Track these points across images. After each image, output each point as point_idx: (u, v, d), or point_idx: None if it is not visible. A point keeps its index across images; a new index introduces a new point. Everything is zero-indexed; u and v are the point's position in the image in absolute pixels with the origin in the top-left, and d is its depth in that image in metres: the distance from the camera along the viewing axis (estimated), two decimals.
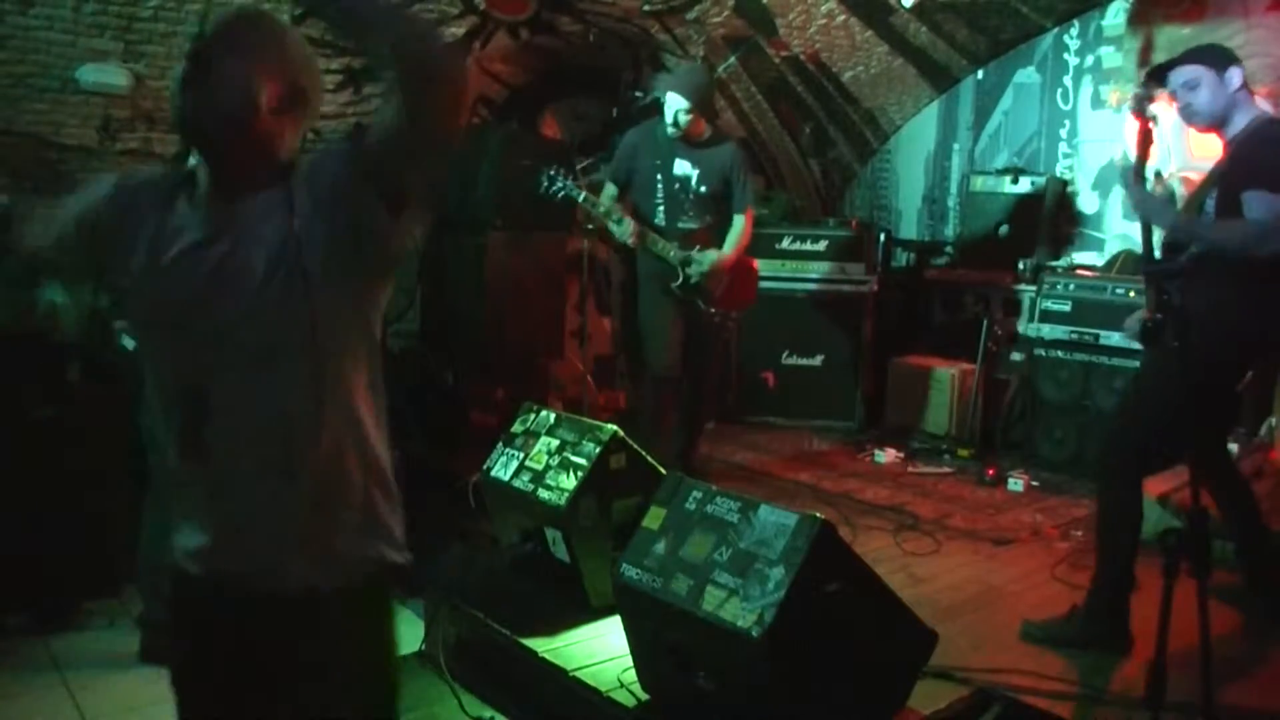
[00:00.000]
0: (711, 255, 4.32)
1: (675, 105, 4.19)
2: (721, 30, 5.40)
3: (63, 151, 4.03)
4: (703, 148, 4.34)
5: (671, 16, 5.19)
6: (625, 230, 4.25)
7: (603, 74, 5.71)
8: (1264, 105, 3.08)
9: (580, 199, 4.26)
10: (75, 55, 3.75)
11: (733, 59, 5.76)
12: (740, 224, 4.40)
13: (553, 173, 4.20)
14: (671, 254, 4.31)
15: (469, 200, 4.81)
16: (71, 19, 3.62)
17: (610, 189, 4.45)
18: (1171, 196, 3.12)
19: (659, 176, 4.33)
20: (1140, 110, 3.03)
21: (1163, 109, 3.13)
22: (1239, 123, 2.91)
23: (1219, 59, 2.93)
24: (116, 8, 3.66)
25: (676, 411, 4.61)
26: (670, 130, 4.25)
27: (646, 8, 5.04)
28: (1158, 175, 3.59)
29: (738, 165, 4.39)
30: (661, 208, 4.36)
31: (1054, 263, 5.56)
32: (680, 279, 4.32)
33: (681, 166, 4.33)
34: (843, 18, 5.48)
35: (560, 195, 4.23)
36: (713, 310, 4.41)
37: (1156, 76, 3.09)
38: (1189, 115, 2.97)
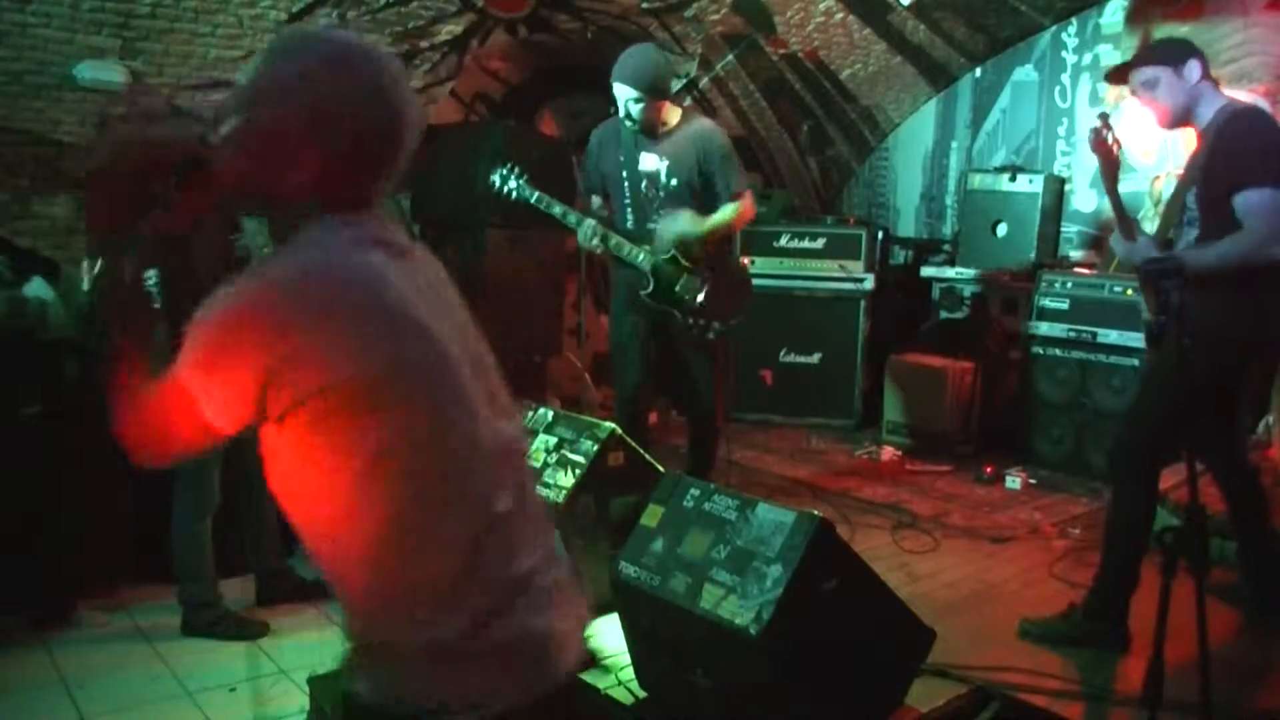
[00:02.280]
0: (679, 223, 3.71)
1: (623, 96, 3.68)
2: (720, 28, 5.40)
3: (60, 148, 4.02)
4: (671, 136, 3.77)
5: (670, 14, 5.19)
6: (584, 232, 3.73)
7: (600, 72, 5.70)
8: (1239, 94, 3.05)
9: (533, 199, 3.76)
10: (73, 52, 3.74)
11: (731, 57, 5.75)
12: (730, 208, 3.76)
13: (505, 171, 3.80)
14: (640, 258, 3.76)
15: (467, 198, 4.80)
16: (69, 15, 3.62)
17: (595, 200, 3.99)
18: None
19: (624, 174, 3.82)
20: (1101, 139, 2.95)
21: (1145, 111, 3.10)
22: (1205, 114, 2.87)
23: (1175, 54, 2.89)
24: (114, 4, 3.65)
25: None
26: (629, 124, 3.74)
27: (644, 5, 5.03)
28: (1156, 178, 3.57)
29: (714, 149, 3.76)
30: (629, 208, 3.84)
31: (1051, 260, 5.56)
32: (650, 285, 3.77)
33: (648, 161, 3.79)
34: (841, 15, 5.48)
35: (513, 197, 3.79)
36: (691, 322, 3.78)
37: (1116, 78, 3.07)
38: (1155, 112, 2.95)
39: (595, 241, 3.73)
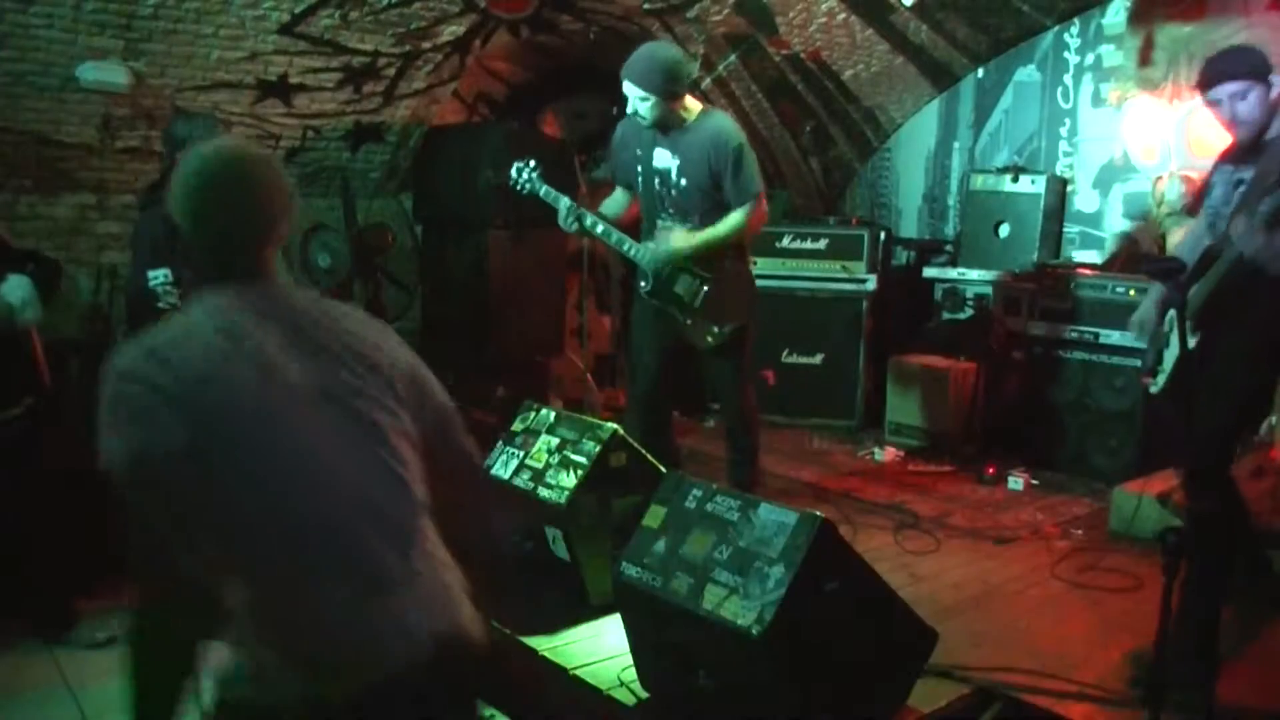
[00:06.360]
0: (669, 242, 3.64)
1: (631, 95, 3.54)
2: (722, 28, 5.40)
3: (63, 149, 4.03)
4: (686, 133, 3.61)
5: (672, 14, 5.19)
6: (561, 212, 3.68)
7: (603, 72, 5.70)
8: None
9: (541, 192, 3.71)
10: (75, 53, 3.75)
11: (733, 57, 5.75)
12: (734, 218, 3.60)
13: (521, 164, 3.74)
14: (639, 255, 3.71)
15: (469, 199, 4.81)
16: (72, 16, 3.62)
17: (619, 192, 3.90)
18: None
19: (639, 169, 3.72)
20: None
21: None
22: (1276, 128, 2.86)
23: (1265, 67, 2.88)
24: (117, 5, 3.66)
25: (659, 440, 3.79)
26: (642, 121, 3.60)
27: (647, 6, 5.04)
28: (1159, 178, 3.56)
29: (724, 150, 3.55)
30: (642, 205, 3.79)
31: (1054, 261, 5.56)
32: (649, 283, 3.74)
33: (661, 158, 3.65)
34: (843, 16, 5.47)
35: (526, 191, 3.74)
36: (691, 323, 3.68)
37: (1205, 85, 3.04)
38: (1236, 125, 2.95)
39: (570, 223, 3.67)
